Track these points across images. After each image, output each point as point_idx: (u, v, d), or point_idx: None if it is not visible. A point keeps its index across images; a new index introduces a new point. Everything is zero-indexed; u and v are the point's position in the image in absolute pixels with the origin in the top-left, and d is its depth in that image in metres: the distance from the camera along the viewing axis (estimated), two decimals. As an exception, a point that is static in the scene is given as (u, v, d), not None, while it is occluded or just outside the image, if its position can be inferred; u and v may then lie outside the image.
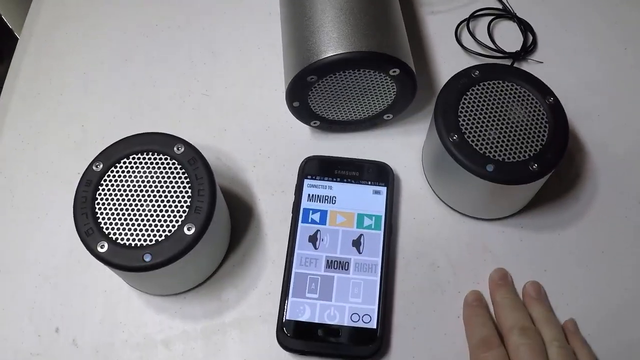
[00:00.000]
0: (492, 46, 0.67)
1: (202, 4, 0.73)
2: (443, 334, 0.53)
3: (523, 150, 0.51)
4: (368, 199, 0.57)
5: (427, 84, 0.66)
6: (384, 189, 0.57)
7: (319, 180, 0.58)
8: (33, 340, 0.54)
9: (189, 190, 0.49)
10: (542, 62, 0.67)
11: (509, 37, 0.69)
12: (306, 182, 0.57)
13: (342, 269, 0.53)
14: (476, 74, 0.54)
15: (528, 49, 0.67)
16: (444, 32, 0.69)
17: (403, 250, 0.56)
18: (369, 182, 0.58)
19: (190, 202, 0.49)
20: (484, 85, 0.53)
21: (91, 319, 0.55)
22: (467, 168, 0.50)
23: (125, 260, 0.47)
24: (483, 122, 0.52)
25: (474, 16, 0.69)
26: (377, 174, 0.58)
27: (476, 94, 0.53)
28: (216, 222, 0.50)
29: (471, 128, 0.51)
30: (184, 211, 0.48)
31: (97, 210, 0.48)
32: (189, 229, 0.47)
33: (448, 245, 0.57)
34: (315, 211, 0.56)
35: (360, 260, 0.54)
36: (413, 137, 0.62)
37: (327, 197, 0.57)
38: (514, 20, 0.69)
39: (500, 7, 0.70)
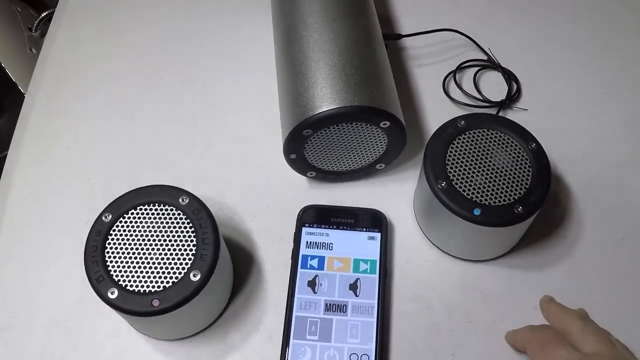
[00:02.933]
0: (479, 96, 0.70)
1: (203, 61, 0.76)
2: (439, 372, 0.55)
3: (508, 194, 0.53)
4: (363, 244, 0.59)
5: (417, 134, 0.68)
6: (378, 235, 0.60)
7: (316, 228, 0.60)
8: (44, 385, 0.55)
9: (194, 239, 0.51)
10: (526, 110, 0.69)
11: (495, 87, 0.72)
12: (304, 230, 0.60)
13: (340, 312, 0.56)
14: (462, 123, 0.57)
15: (513, 97, 0.70)
16: (431, 84, 0.72)
17: (398, 292, 0.58)
18: (364, 229, 0.60)
19: (195, 250, 0.51)
20: (469, 134, 0.56)
21: (102, 364, 0.56)
22: (456, 213, 0.53)
23: (134, 306, 0.49)
24: (470, 168, 0.54)
25: (460, 68, 0.72)
26: (372, 220, 0.61)
27: (462, 142, 0.56)
28: (220, 269, 0.52)
29: (458, 175, 0.54)
30: (189, 259, 0.50)
31: (107, 258, 0.51)
32: (194, 276, 0.50)
33: (441, 287, 0.59)
34: (313, 257, 0.58)
35: (358, 303, 0.56)
36: (404, 184, 0.65)
37: (324, 244, 0.59)
38: (499, 70, 0.72)
39: (486, 58, 0.73)
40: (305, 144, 0.57)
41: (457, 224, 0.54)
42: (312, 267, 0.58)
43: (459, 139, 0.56)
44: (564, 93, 0.72)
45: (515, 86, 0.71)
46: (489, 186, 0.53)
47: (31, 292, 0.60)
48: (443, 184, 0.54)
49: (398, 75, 0.72)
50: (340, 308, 0.56)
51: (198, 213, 0.53)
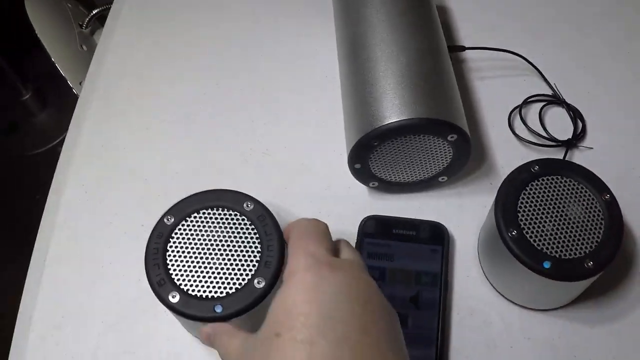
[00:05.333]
0: (544, 134, 0.68)
1: (263, 67, 0.76)
2: (496, 388, 0.55)
3: (579, 247, 0.51)
4: (425, 257, 0.59)
5: (479, 148, 0.68)
6: (439, 248, 0.59)
7: (378, 239, 0.60)
8: (97, 386, 0.56)
9: (259, 246, 0.51)
10: (592, 148, 0.68)
11: (559, 123, 0.70)
12: (366, 240, 0.60)
13: (401, 324, 0.55)
14: (535, 169, 0.55)
15: (578, 136, 0.68)
16: (493, 101, 0.72)
17: (458, 306, 0.58)
18: (425, 242, 0.60)
19: (260, 256, 0.50)
20: (542, 180, 0.54)
21: (155, 367, 0.56)
22: (525, 264, 0.51)
23: (196, 311, 0.48)
24: (541, 218, 0.53)
25: (525, 102, 0.71)
26: (433, 233, 0.60)
27: (535, 189, 0.54)
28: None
29: (530, 224, 0.52)
30: (253, 265, 0.50)
31: (168, 261, 0.50)
32: (258, 282, 0.49)
33: (501, 302, 0.58)
34: (374, 268, 0.58)
35: (418, 315, 0.56)
36: (466, 198, 0.65)
37: (386, 255, 0.59)
38: (564, 106, 0.70)
39: (550, 93, 0.71)
40: (371, 154, 0.57)
41: (523, 275, 0.52)
42: (373, 278, 0.57)
43: (532, 184, 0.54)
44: (630, 130, 0.70)
45: (580, 124, 0.69)
46: (560, 238, 0.52)
47: (84, 292, 0.61)
48: (514, 233, 0.52)
49: (459, 88, 0.71)
50: (401, 321, 0.55)
51: (263, 220, 0.52)
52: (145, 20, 0.82)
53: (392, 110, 0.55)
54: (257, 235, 0.51)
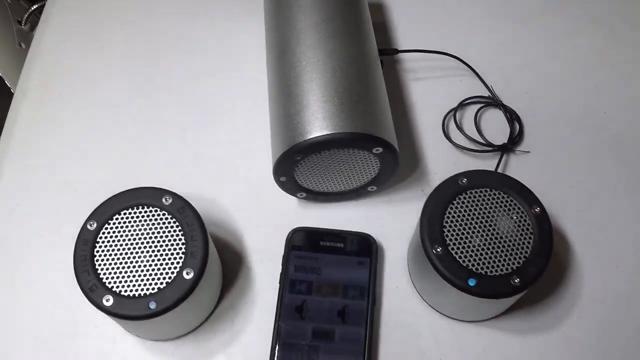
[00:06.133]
0: (480, 139, 0.67)
1: (195, 68, 0.75)
2: (425, 402, 0.55)
3: (506, 264, 0.51)
4: (352, 270, 0.58)
5: (411, 154, 0.67)
6: (367, 260, 0.59)
7: (305, 252, 0.59)
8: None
9: (182, 238, 0.51)
10: (528, 152, 0.67)
11: (496, 125, 0.69)
12: (293, 253, 0.59)
13: (327, 339, 0.55)
14: (463, 181, 0.54)
15: (515, 139, 0.67)
16: (427, 104, 0.71)
17: (386, 318, 0.58)
18: (353, 254, 0.59)
19: (185, 248, 0.51)
20: (470, 193, 0.54)
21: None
22: (450, 282, 0.50)
23: (131, 311, 0.49)
24: (468, 233, 0.52)
25: (461, 105, 0.70)
26: (361, 245, 0.60)
27: (462, 203, 0.53)
28: (210, 265, 0.52)
29: (455, 240, 0.52)
30: (180, 257, 0.51)
31: (97, 266, 0.50)
32: (187, 273, 0.50)
33: (430, 314, 0.58)
34: (301, 282, 0.58)
35: (345, 330, 0.55)
36: (397, 206, 0.64)
37: (313, 268, 0.58)
38: (500, 108, 0.70)
39: (487, 94, 0.70)
40: (295, 167, 0.56)
41: (449, 291, 0.52)
42: (300, 292, 0.57)
43: (460, 198, 0.53)
44: (567, 134, 0.69)
45: (517, 127, 0.68)
46: (487, 254, 0.51)
47: (17, 308, 0.60)
48: (439, 250, 0.51)
49: (394, 90, 0.70)
50: (327, 335, 0.55)
51: (183, 211, 0.53)
52: (78, 16, 0.80)
53: (314, 124, 0.54)
54: (180, 228, 0.52)
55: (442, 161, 0.66)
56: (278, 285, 0.58)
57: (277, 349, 0.55)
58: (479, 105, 0.70)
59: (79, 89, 0.74)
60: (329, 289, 0.57)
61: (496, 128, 0.69)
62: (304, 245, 0.60)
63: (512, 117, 0.69)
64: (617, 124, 0.69)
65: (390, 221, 0.63)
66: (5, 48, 0.88)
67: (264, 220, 0.63)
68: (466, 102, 0.70)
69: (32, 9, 0.94)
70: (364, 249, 0.59)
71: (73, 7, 0.81)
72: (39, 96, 0.74)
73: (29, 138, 0.70)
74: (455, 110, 0.69)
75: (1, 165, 0.68)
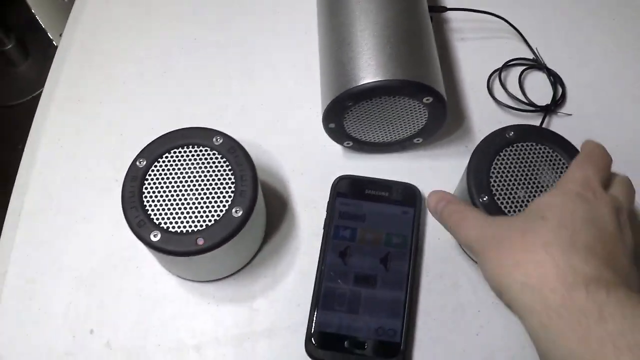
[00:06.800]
0: (524, 99, 0.67)
1: (240, 20, 0.75)
2: (462, 351, 0.55)
3: None
4: (396, 218, 0.59)
5: (456, 110, 0.68)
6: (411, 210, 0.59)
7: (350, 199, 0.60)
8: (68, 340, 0.56)
9: (232, 177, 0.52)
10: (570, 115, 0.67)
11: (540, 89, 0.69)
12: (338, 200, 0.60)
13: (369, 285, 0.56)
14: (510, 135, 0.55)
15: (557, 102, 0.67)
16: (474, 65, 0.71)
17: (427, 268, 0.58)
18: (398, 203, 0.60)
19: (234, 187, 0.51)
20: (516, 146, 0.54)
21: (125, 322, 0.57)
22: None
23: (179, 246, 0.49)
24: (513, 184, 0.53)
25: (506, 65, 0.70)
26: (406, 195, 0.60)
27: (509, 155, 0.54)
28: (258, 206, 0.53)
29: (501, 190, 0.52)
30: (229, 196, 0.51)
31: (145, 203, 0.51)
32: (236, 212, 0.50)
33: (469, 266, 0.59)
34: (345, 228, 0.58)
35: (387, 277, 0.56)
36: (440, 161, 0.64)
37: (357, 216, 0.59)
38: (544, 71, 0.70)
39: (532, 57, 0.71)
40: (345, 114, 0.57)
41: None
42: (344, 238, 0.58)
43: (506, 151, 0.54)
44: (610, 98, 0.69)
45: (560, 90, 0.68)
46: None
47: (57, 249, 0.61)
48: (485, 198, 0.52)
49: (440, 49, 0.70)
50: (369, 281, 0.56)
51: (234, 152, 0.53)
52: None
53: (367, 70, 0.54)
54: (230, 167, 0.53)
55: (486, 119, 0.67)
56: (322, 231, 0.59)
57: (319, 292, 0.55)
58: (523, 67, 0.70)
59: (124, 42, 0.74)
60: (373, 237, 0.58)
61: (539, 91, 0.69)
62: (349, 192, 0.60)
63: (556, 80, 0.69)
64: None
65: (434, 175, 0.63)
66: (48, 1, 0.89)
67: (310, 168, 0.64)
68: (510, 63, 0.70)
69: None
70: (408, 199, 0.60)
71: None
72: (85, 47, 0.74)
73: (75, 85, 0.71)
74: (500, 70, 0.70)
75: (48, 109, 0.69)
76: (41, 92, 0.70)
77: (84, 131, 0.67)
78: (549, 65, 0.70)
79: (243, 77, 0.71)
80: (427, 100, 0.55)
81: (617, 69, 0.71)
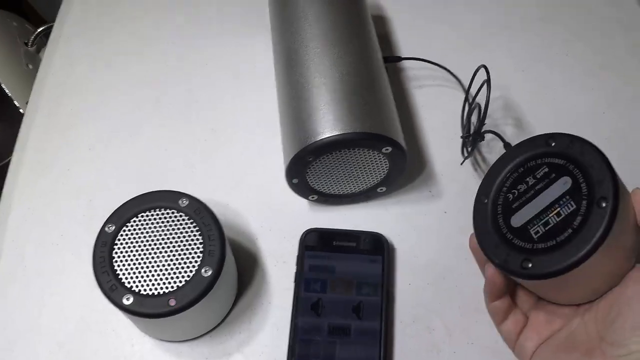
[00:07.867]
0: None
1: (204, 80, 0.77)
2: (440, 394, 0.56)
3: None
4: (366, 267, 0.60)
5: (418, 156, 0.69)
6: (379, 258, 0.60)
7: (319, 251, 0.61)
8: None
9: (200, 237, 0.53)
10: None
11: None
12: (307, 253, 0.60)
13: (344, 334, 0.56)
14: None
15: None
16: (432, 106, 0.73)
17: (400, 314, 0.59)
18: (366, 252, 0.61)
19: (203, 247, 0.52)
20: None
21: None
22: None
23: (152, 308, 0.50)
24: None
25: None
26: (373, 244, 0.61)
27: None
28: (227, 264, 0.54)
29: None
30: (198, 256, 0.52)
31: (116, 267, 0.52)
32: (206, 271, 0.51)
33: (442, 309, 0.59)
34: (316, 281, 0.59)
35: (361, 326, 0.57)
36: (406, 207, 0.65)
37: (327, 267, 0.60)
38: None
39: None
40: (307, 169, 0.58)
41: None
42: (315, 290, 0.58)
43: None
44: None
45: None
46: None
47: (34, 313, 0.61)
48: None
49: (398, 97, 0.72)
50: (344, 331, 0.56)
51: (199, 212, 0.54)
52: (86, 35, 0.82)
53: (326, 125, 0.56)
54: (197, 228, 0.54)
55: (447, 162, 0.68)
56: (293, 285, 0.59)
57: (295, 346, 0.56)
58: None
59: (89, 105, 0.75)
60: (344, 287, 0.59)
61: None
62: (318, 245, 0.61)
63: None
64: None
65: (400, 221, 0.64)
66: (13, 68, 0.90)
67: (277, 223, 0.65)
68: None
69: (39, 31, 0.96)
70: (375, 248, 0.61)
71: (81, 24, 0.84)
72: (51, 110, 0.75)
73: (42, 150, 0.71)
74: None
75: (16, 176, 0.69)
76: (9, 160, 0.70)
77: (53, 196, 0.68)
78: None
79: (207, 136, 0.72)
80: (386, 150, 0.57)
81: (570, 105, 0.74)
